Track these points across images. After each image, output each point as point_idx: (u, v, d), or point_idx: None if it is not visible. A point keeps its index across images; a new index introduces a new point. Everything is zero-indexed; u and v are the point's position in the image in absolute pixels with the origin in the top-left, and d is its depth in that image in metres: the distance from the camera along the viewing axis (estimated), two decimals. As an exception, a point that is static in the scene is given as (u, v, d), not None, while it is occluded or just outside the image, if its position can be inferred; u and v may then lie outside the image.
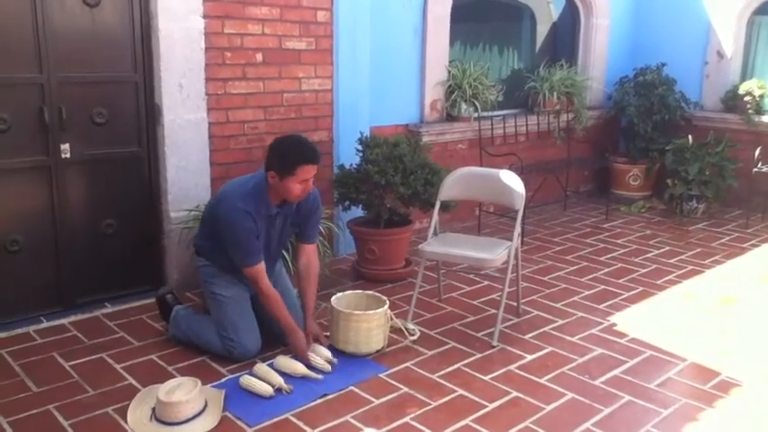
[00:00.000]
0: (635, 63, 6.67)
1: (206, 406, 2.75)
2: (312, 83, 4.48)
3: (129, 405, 2.79)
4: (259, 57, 4.18)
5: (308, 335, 3.23)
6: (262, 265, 3.12)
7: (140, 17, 3.74)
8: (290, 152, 3.05)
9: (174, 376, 3.03)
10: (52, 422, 2.69)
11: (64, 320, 3.63)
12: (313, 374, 3.04)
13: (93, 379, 3.02)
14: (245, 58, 4.13)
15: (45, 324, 3.58)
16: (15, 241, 3.53)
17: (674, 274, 4.57)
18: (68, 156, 3.60)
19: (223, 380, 3.05)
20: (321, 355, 3.16)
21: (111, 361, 3.21)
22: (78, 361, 3.20)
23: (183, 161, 3.94)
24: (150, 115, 3.87)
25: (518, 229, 3.66)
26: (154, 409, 2.72)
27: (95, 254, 3.80)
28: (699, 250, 5.10)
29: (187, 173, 3.96)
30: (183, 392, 2.72)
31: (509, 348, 3.40)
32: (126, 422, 2.69)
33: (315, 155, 3.08)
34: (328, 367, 3.11)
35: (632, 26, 6.92)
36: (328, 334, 3.36)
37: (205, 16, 3.89)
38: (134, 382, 3.01)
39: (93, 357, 3.25)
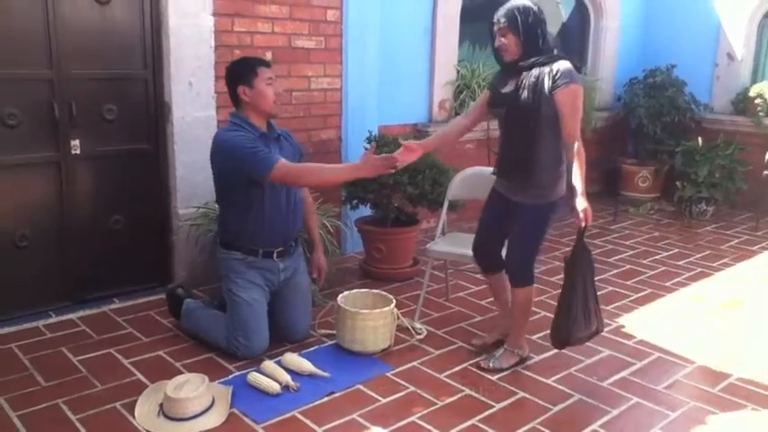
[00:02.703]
0: (644, 64, 6.65)
1: (213, 402, 2.76)
2: (321, 82, 4.49)
3: (136, 400, 2.80)
4: (269, 55, 4.18)
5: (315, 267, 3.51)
6: (282, 161, 3.04)
7: (150, 14, 3.75)
8: (243, 61, 3.31)
9: (181, 372, 3.04)
10: (61, 416, 2.70)
11: (72, 315, 3.65)
12: (320, 372, 3.05)
13: (101, 374, 3.04)
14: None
15: (54, 319, 3.60)
16: (24, 236, 3.55)
17: (683, 276, 4.56)
18: (78, 152, 3.62)
19: (230, 376, 3.05)
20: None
21: (119, 356, 3.22)
22: (87, 356, 3.21)
23: (191, 158, 3.94)
24: (160, 112, 3.88)
25: (526, 230, 3.64)
26: (161, 405, 2.73)
27: (104, 250, 3.81)
28: (708, 252, 5.08)
29: (196, 170, 3.96)
30: (191, 389, 2.73)
31: (516, 349, 3.39)
32: (134, 417, 2.70)
33: (263, 59, 3.45)
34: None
35: (642, 27, 6.90)
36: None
37: (215, 14, 3.90)
38: (142, 378, 3.02)
39: (102, 352, 3.26)
